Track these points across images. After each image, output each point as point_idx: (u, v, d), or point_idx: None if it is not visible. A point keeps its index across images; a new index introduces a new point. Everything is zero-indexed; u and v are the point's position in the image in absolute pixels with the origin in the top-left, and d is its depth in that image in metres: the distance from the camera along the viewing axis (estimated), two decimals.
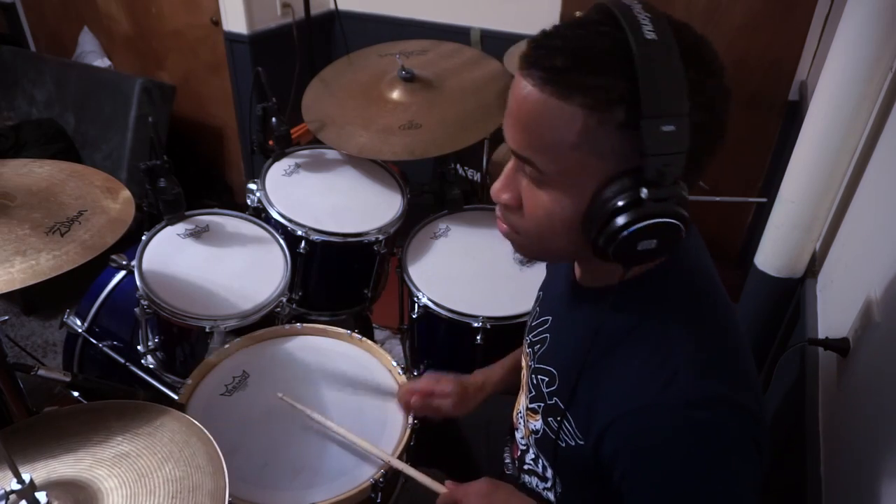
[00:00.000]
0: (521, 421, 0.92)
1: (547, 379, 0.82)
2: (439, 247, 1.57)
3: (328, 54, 2.70)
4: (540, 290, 0.99)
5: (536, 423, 0.84)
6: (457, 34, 2.43)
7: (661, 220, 0.61)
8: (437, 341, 1.50)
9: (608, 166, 0.62)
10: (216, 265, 1.38)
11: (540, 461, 0.86)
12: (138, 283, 1.27)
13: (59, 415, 0.90)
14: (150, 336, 1.38)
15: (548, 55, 0.62)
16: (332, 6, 2.57)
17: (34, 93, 2.70)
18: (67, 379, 1.06)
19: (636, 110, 0.58)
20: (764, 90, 2.13)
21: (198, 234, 1.43)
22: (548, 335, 0.87)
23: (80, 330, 1.49)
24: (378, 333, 2.24)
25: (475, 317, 1.35)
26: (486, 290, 1.44)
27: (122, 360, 1.44)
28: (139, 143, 2.46)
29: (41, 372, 1.04)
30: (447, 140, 1.55)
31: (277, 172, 1.63)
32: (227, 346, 1.20)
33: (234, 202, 2.95)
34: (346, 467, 1.00)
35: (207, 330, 1.27)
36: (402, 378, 1.16)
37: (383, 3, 2.61)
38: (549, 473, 0.84)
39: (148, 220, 1.51)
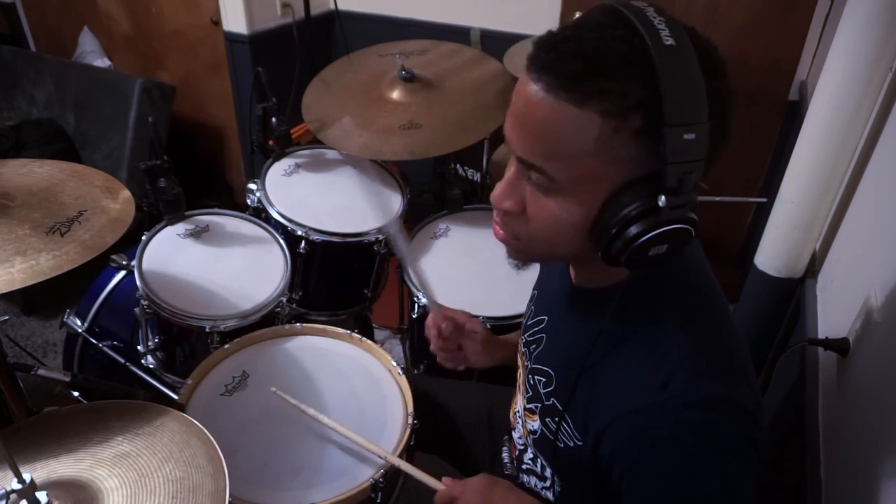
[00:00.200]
0: (519, 421, 0.92)
1: (544, 379, 0.82)
2: (439, 247, 1.57)
3: (328, 54, 2.69)
4: (534, 289, 0.98)
5: (534, 423, 0.84)
6: (457, 34, 2.43)
7: (676, 226, 0.61)
8: None
9: (622, 173, 0.62)
10: (216, 265, 1.38)
11: (539, 461, 0.86)
12: (138, 283, 1.28)
13: (59, 415, 0.90)
14: (150, 336, 1.38)
15: (561, 59, 0.59)
16: (332, 6, 2.57)
17: (34, 93, 2.70)
18: (67, 379, 1.06)
19: (654, 117, 0.57)
20: (764, 90, 2.13)
21: (198, 234, 1.43)
22: (544, 335, 0.87)
23: (80, 330, 1.49)
24: (378, 333, 2.24)
25: (475, 317, 1.35)
26: (486, 290, 1.44)
27: (122, 360, 1.44)
28: (139, 143, 2.46)
29: (41, 372, 1.04)
30: (447, 140, 1.55)
31: (277, 172, 1.63)
32: (226, 346, 1.20)
33: (234, 202, 2.95)
34: (346, 467, 1.00)
35: (207, 330, 1.27)
36: (402, 378, 1.16)
37: (383, 3, 2.61)
38: (548, 473, 0.84)
39: (148, 220, 1.51)
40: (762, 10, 2.04)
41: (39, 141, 2.50)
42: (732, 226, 2.44)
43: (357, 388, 1.15)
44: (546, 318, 0.88)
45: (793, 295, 1.47)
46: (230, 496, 0.76)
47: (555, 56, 0.60)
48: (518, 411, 0.93)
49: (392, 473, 1.00)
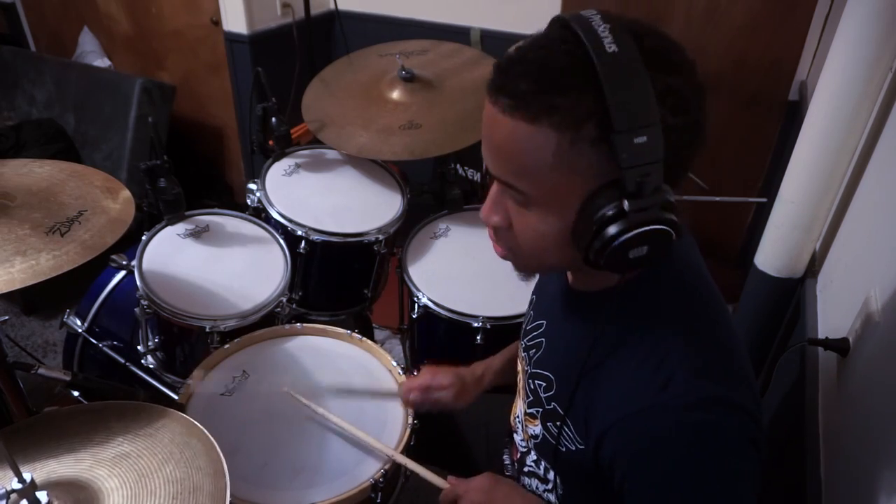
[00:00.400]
0: (520, 425, 0.92)
1: (544, 384, 0.82)
2: (439, 247, 1.57)
3: (328, 54, 2.69)
4: (533, 294, 0.98)
5: (535, 427, 0.84)
6: (457, 34, 2.43)
7: (647, 228, 0.61)
8: (437, 341, 1.50)
9: (588, 182, 0.62)
10: (216, 265, 1.38)
11: (541, 464, 0.86)
12: (138, 283, 1.27)
13: (59, 415, 0.90)
14: (150, 336, 1.38)
15: (512, 80, 0.62)
16: (332, 6, 2.57)
17: (34, 93, 2.70)
18: (67, 378, 1.06)
19: (606, 124, 0.58)
20: (764, 90, 2.13)
21: (198, 234, 1.43)
22: (543, 339, 0.87)
23: (80, 330, 1.49)
24: (378, 333, 2.24)
25: (475, 317, 1.36)
26: (486, 290, 1.44)
27: (122, 360, 1.44)
28: (139, 143, 2.46)
29: (41, 372, 1.04)
30: (447, 140, 1.55)
31: (277, 172, 1.63)
32: (226, 346, 1.20)
33: (234, 202, 2.95)
34: (346, 467, 1.00)
35: (207, 330, 1.27)
36: (403, 378, 1.16)
37: (383, 3, 2.61)
38: (551, 475, 0.84)
39: (148, 220, 1.51)
40: (762, 10, 2.04)
41: (39, 141, 2.50)
42: (732, 226, 2.44)
43: (357, 388, 1.15)
44: (545, 322, 0.88)
45: (793, 295, 1.47)
46: (230, 496, 0.76)
47: (505, 79, 0.62)
48: (518, 416, 0.93)
49: (392, 473, 1.00)
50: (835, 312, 1.20)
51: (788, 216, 1.38)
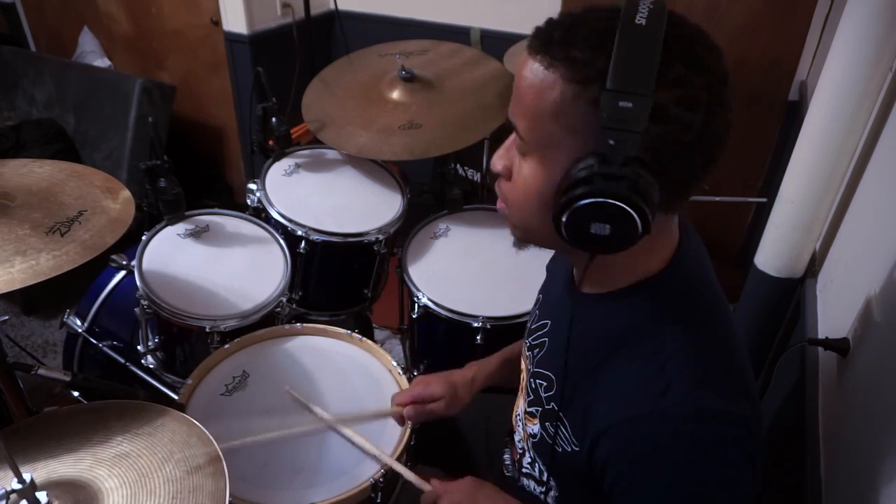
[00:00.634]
0: (520, 424, 0.92)
1: (545, 383, 0.82)
2: (439, 247, 1.57)
3: (328, 54, 2.69)
4: (540, 293, 0.98)
5: (534, 427, 0.84)
6: (457, 34, 2.43)
7: (607, 200, 0.60)
8: (437, 341, 1.50)
9: (578, 144, 0.63)
10: (216, 265, 1.38)
11: (536, 465, 0.86)
12: (138, 283, 1.27)
13: (59, 415, 0.90)
14: (150, 336, 1.38)
15: (549, 29, 0.65)
16: (332, 6, 2.57)
17: (34, 93, 2.70)
18: (67, 378, 1.06)
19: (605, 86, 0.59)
20: (764, 90, 2.13)
21: (198, 234, 1.43)
22: (546, 339, 0.87)
23: (80, 330, 1.49)
24: (378, 333, 2.23)
25: (475, 317, 1.35)
26: (486, 290, 1.44)
27: (122, 360, 1.44)
28: (139, 143, 2.46)
29: (41, 372, 1.04)
30: (447, 140, 1.55)
31: (277, 172, 1.62)
32: (227, 346, 1.20)
33: (234, 202, 2.95)
34: (346, 467, 1.00)
35: (207, 330, 1.27)
36: (403, 378, 1.16)
37: (383, 3, 2.61)
38: (546, 477, 0.84)
39: (148, 220, 1.51)
40: (762, 10, 2.04)
41: (39, 141, 2.50)
42: (732, 226, 2.44)
43: (357, 388, 1.15)
44: (549, 322, 0.88)
45: (793, 295, 1.47)
46: (230, 496, 0.76)
47: (547, 27, 0.66)
48: (519, 414, 0.93)
49: (392, 473, 1.00)
50: (835, 312, 1.20)
51: (788, 216, 1.38)
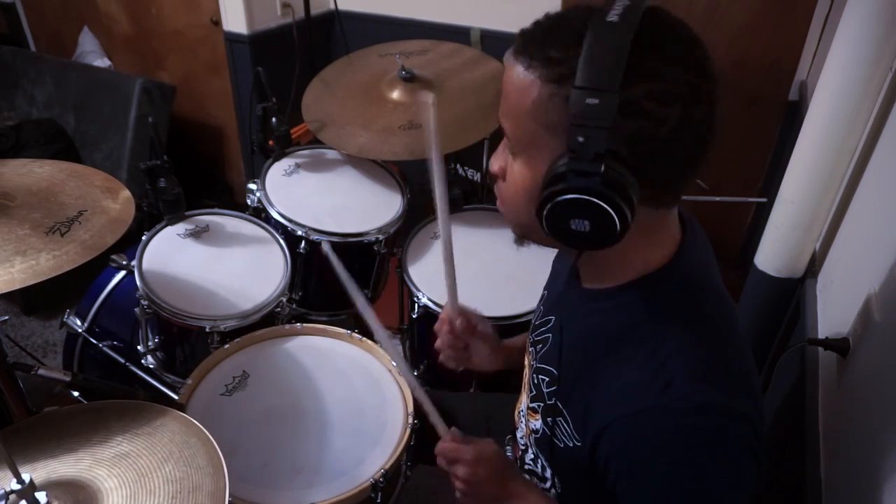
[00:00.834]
0: (523, 420, 0.92)
1: (547, 379, 0.82)
2: (439, 247, 1.57)
3: (328, 54, 2.69)
4: (545, 289, 0.99)
5: (536, 422, 0.84)
6: (457, 34, 2.42)
7: (582, 196, 0.61)
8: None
9: (557, 143, 0.63)
10: (216, 265, 1.38)
11: (539, 461, 0.86)
12: (138, 283, 1.28)
13: (59, 415, 0.90)
14: (150, 336, 1.38)
15: (532, 30, 0.66)
16: (332, 6, 2.57)
17: (34, 93, 2.70)
18: (67, 379, 1.06)
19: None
20: (764, 90, 2.13)
21: (198, 234, 1.43)
22: (550, 335, 0.87)
23: (80, 330, 1.49)
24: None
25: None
26: (487, 290, 1.44)
27: (122, 360, 1.44)
28: (139, 143, 2.46)
29: (41, 372, 1.04)
30: (447, 140, 1.55)
31: (277, 172, 1.63)
32: (227, 346, 1.20)
33: (234, 202, 2.95)
34: (346, 467, 1.00)
35: (207, 330, 1.27)
36: (402, 378, 1.16)
37: (383, 3, 2.61)
38: (548, 473, 0.84)
39: (148, 220, 1.51)
40: (762, 10, 2.04)
41: (39, 141, 2.50)
42: (732, 226, 2.43)
43: (357, 388, 1.15)
44: (553, 318, 0.88)
45: (793, 295, 1.47)
46: (230, 496, 0.76)
47: (529, 28, 0.67)
48: (522, 410, 0.93)
49: (392, 473, 1.00)
50: (835, 312, 1.19)
51: (788, 216, 1.38)
